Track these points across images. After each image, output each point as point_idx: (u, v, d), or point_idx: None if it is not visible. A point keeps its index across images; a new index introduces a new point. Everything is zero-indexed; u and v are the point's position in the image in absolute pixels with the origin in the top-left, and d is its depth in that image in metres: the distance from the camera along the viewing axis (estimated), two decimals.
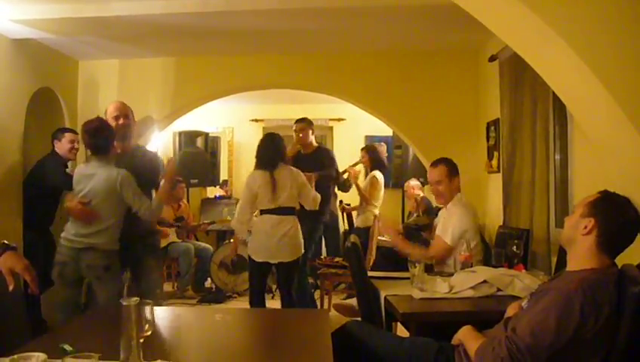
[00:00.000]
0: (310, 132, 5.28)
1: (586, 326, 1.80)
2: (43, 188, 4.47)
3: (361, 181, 6.40)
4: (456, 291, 2.72)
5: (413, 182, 6.58)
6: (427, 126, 5.31)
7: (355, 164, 6.33)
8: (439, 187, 3.47)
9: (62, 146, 4.54)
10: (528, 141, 3.90)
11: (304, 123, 5.22)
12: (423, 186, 6.74)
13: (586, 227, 1.94)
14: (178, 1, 3.92)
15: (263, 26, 4.42)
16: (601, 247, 1.94)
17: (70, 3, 3.88)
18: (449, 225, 3.35)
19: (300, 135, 5.19)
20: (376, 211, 6.08)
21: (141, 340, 1.53)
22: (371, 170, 6.09)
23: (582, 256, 1.96)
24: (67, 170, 4.62)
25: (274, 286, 6.59)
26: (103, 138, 3.45)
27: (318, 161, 5.07)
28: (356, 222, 6.14)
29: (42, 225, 4.55)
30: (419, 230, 3.46)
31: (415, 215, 5.13)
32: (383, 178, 6.24)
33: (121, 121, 3.62)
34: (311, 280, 6.65)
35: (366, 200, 6.09)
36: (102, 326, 2.21)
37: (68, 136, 4.56)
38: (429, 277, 2.91)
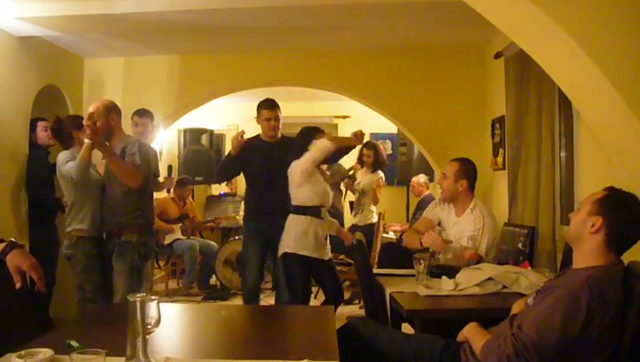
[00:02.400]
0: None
1: (593, 324, 1.79)
2: (30, 182, 4.52)
3: (360, 176, 6.27)
4: (461, 288, 2.72)
5: (423, 179, 6.54)
6: (432, 123, 5.30)
7: (353, 168, 6.18)
8: (443, 182, 3.36)
9: (38, 135, 4.61)
10: (534, 138, 3.89)
11: (278, 108, 4.18)
12: (430, 183, 6.73)
13: (593, 225, 1.93)
14: None
15: (268, 23, 4.43)
16: (609, 245, 1.93)
17: (75, 0, 3.89)
18: (483, 238, 3.17)
19: (275, 123, 4.15)
20: (374, 208, 6.06)
21: (147, 336, 1.53)
22: (374, 170, 6.01)
23: (589, 253, 1.96)
24: (49, 159, 4.68)
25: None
26: (57, 135, 3.86)
27: (286, 150, 4.04)
28: (355, 220, 6.07)
29: (43, 220, 4.58)
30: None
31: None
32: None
33: (97, 124, 3.40)
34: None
35: (376, 201, 6.05)
36: (108, 322, 2.22)
37: (40, 124, 4.65)
38: None
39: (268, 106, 4.13)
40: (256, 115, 4.20)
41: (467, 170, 3.32)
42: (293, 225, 3.77)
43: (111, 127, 3.52)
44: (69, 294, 5.02)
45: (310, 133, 3.86)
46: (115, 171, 3.41)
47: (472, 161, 3.41)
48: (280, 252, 3.81)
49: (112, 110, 3.55)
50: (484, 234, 3.16)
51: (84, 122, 3.33)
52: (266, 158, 4.10)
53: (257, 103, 4.20)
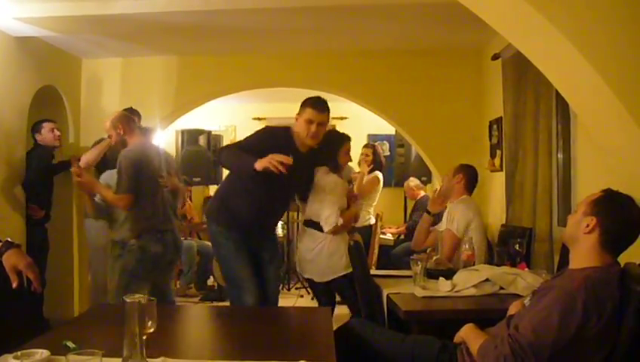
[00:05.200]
0: None
1: (589, 325, 1.80)
2: (29, 182, 4.51)
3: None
4: (458, 289, 2.72)
5: (413, 183, 6.56)
6: (430, 124, 5.31)
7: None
8: (444, 179, 3.73)
9: (44, 137, 4.61)
10: (531, 140, 3.90)
11: (328, 112, 3.35)
12: (426, 185, 6.74)
13: (588, 225, 1.94)
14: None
15: (265, 24, 4.43)
16: (604, 246, 1.93)
17: (73, 1, 3.88)
18: (454, 219, 3.45)
19: (317, 130, 3.26)
20: (371, 210, 6.07)
21: (144, 337, 1.53)
22: (372, 170, 6.03)
23: (584, 254, 1.96)
24: (53, 161, 4.73)
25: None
26: None
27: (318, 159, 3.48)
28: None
29: (35, 221, 4.56)
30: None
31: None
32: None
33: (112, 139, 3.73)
34: None
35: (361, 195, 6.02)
36: (105, 323, 2.22)
37: (47, 125, 4.64)
38: None
39: (315, 106, 3.25)
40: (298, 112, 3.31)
41: (466, 170, 3.61)
42: (336, 245, 3.46)
43: (122, 138, 3.64)
44: (65, 295, 5.05)
45: (339, 140, 3.63)
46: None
47: (474, 167, 3.68)
48: (333, 275, 3.45)
49: (117, 121, 3.65)
50: (455, 215, 3.44)
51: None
52: (294, 166, 3.00)
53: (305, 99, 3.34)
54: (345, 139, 3.66)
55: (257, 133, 3.33)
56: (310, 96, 3.38)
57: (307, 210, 3.54)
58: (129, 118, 3.75)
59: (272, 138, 3.25)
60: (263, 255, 3.37)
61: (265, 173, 2.95)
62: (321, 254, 3.47)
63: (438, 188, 3.86)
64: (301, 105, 3.31)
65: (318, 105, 3.26)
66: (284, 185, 3.21)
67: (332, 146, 3.51)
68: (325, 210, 3.42)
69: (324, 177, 3.46)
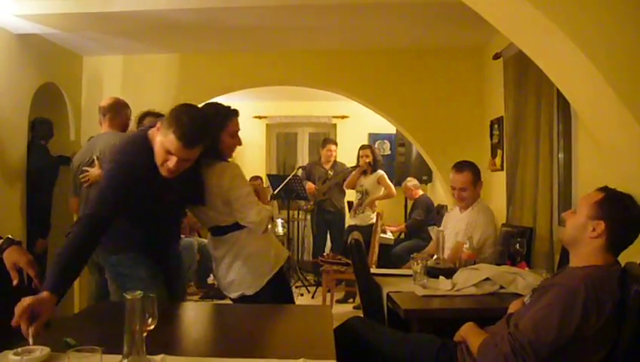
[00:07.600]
0: None
1: (589, 323, 1.80)
2: (32, 178, 4.51)
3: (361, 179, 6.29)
4: (459, 288, 2.72)
5: (411, 183, 6.56)
6: (431, 124, 5.31)
7: (356, 168, 6.23)
8: (463, 193, 3.42)
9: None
10: (532, 139, 3.90)
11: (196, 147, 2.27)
12: (427, 184, 6.74)
13: (594, 230, 1.93)
14: None
15: (267, 22, 4.43)
16: (608, 247, 1.93)
17: None
18: (474, 234, 3.25)
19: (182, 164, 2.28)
20: (374, 208, 6.10)
21: (144, 334, 1.53)
22: (374, 170, 6.08)
23: (587, 254, 1.96)
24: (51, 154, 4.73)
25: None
26: None
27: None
28: (354, 221, 6.09)
29: (42, 219, 4.56)
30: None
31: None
32: None
33: None
34: (311, 277, 6.66)
35: (392, 195, 6.13)
36: (105, 320, 2.22)
37: None
38: None
39: (182, 137, 2.18)
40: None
41: (478, 173, 3.50)
42: (255, 240, 2.66)
43: None
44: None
45: (220, 119, 2.66)
46: None
47: (473, 162, 3.57)
48: (255, 288, 2.68)
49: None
50: (475, 230, 3.30)
51: None
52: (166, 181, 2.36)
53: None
54: (229, 116, 2.75)
55: (111, 172, 2.34)
56: (186, 107, 2.27)
57: (206, 217, 2.68)
58: (101, 108, 3.78)
59: (133, 171, 2.31)
60: (168, 274, 2.71)
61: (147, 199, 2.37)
62: (240, 256, 2.65)
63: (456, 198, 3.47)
64: (166, 119, 2.23)
65: (186, 136, 2.17)
66: (176, 196, 2.51)
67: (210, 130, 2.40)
68: (246, 208, 2.57)
69: (212, 173, 2.60)
